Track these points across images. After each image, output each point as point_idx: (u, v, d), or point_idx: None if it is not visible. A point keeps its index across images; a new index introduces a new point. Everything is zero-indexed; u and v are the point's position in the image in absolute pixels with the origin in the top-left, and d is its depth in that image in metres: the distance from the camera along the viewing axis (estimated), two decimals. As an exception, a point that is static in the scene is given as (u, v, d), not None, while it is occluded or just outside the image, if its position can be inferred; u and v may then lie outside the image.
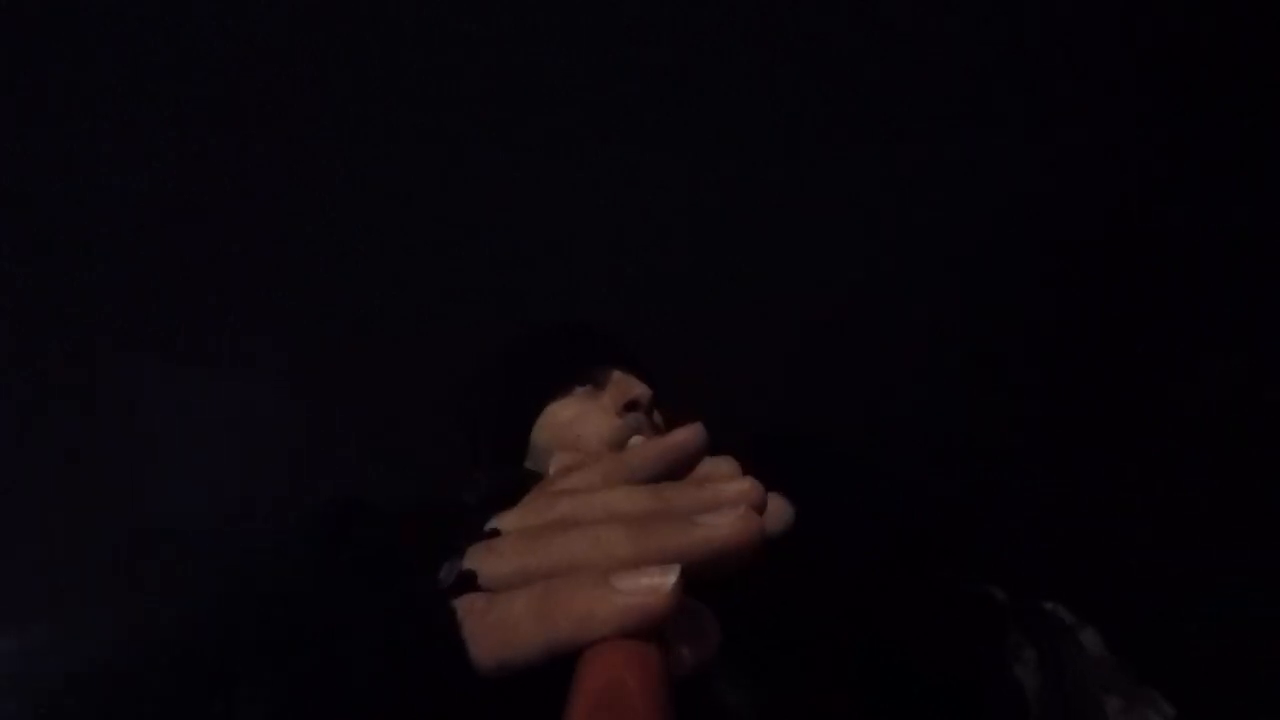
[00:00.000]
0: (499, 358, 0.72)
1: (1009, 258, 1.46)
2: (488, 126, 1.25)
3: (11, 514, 1.18)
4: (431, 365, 1.33)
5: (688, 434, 0.28)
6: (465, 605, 0.21)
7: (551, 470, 0.30)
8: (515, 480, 0.59)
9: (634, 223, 1.41)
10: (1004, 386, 1.48)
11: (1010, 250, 1.44)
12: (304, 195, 1.24)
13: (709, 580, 0.23)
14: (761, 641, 0.29)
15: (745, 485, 0.24)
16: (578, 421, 0.63)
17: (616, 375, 0.66)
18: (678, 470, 0.28)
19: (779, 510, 0.26)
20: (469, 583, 0.22)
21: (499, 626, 0.21)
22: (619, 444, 0.60)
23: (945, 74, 1.30)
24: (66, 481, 1.21)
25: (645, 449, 0.28)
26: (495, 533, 0.24)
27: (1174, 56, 1.28)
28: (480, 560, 0.23)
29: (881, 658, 0.27)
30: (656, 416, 0.66)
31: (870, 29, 1.25)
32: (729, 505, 0.23)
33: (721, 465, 0.27)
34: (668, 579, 0.20)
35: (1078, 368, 1.44)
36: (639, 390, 0.64)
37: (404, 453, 1.18)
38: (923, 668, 0.27)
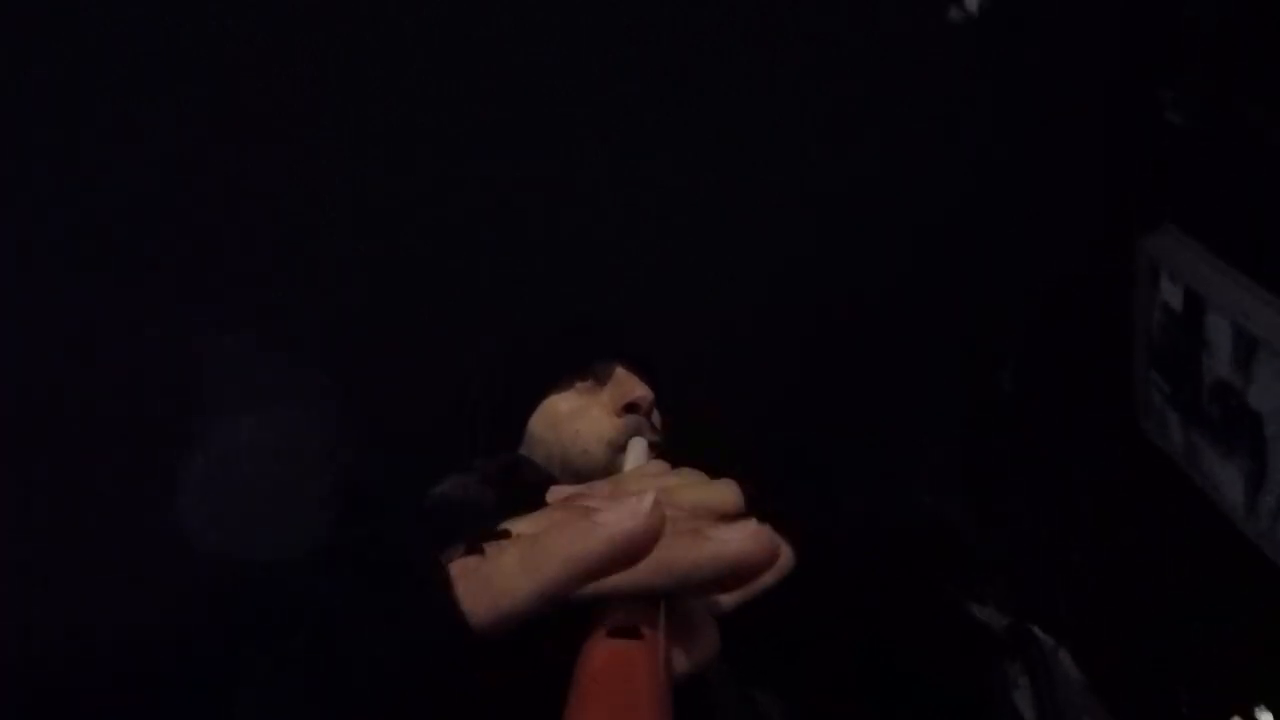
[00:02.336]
0: (503, 346, 0.72)
1: (1008, 265, 1.46)
2: (489, 125, 1.25)
3: (16, 514, 1.19)
4: (432, 365, 1.33)
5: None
6: (459, 566, 0.22)
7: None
8: (511, 464, 0.59)
9: (633, 223, 1.41)
10: (1001, 395, 1.48)
11: (1009, 257, 1.44)
12: (305, 195, 1.23)
13: (720, 593, 0.24)
14: (764, 646, 0.29)
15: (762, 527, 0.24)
16: (576, 416, 0.63)
17: (619, 373, 0.66)
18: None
19: (781, 559, 0.26)
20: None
21: (491, 579, 0.21)
22: (617, 444, 0.60)
23: (946, 76, 1.30)
24: (68, 482, 1.21)
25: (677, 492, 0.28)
26: (507, 534, 0.25)
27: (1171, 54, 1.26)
28: (497, 551, 0.23)
29: (887, 675, 0.28)
30: (655, 418, 0.66)
31: (870, 31, 1.25)
32: (739, 524, 0.23)
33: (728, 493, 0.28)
34: (644, 499, 0.21)
35: (1076, 377, 1.44)
36: (639, 391, 0.64)
37: (406, 451, 1.18)
38: (928, 695, 0.28)
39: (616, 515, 0.21)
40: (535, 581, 0.20)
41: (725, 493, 0.29)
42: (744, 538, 0.22)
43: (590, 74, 1.23)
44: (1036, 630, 0.34)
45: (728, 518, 0.28)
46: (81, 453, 1.22)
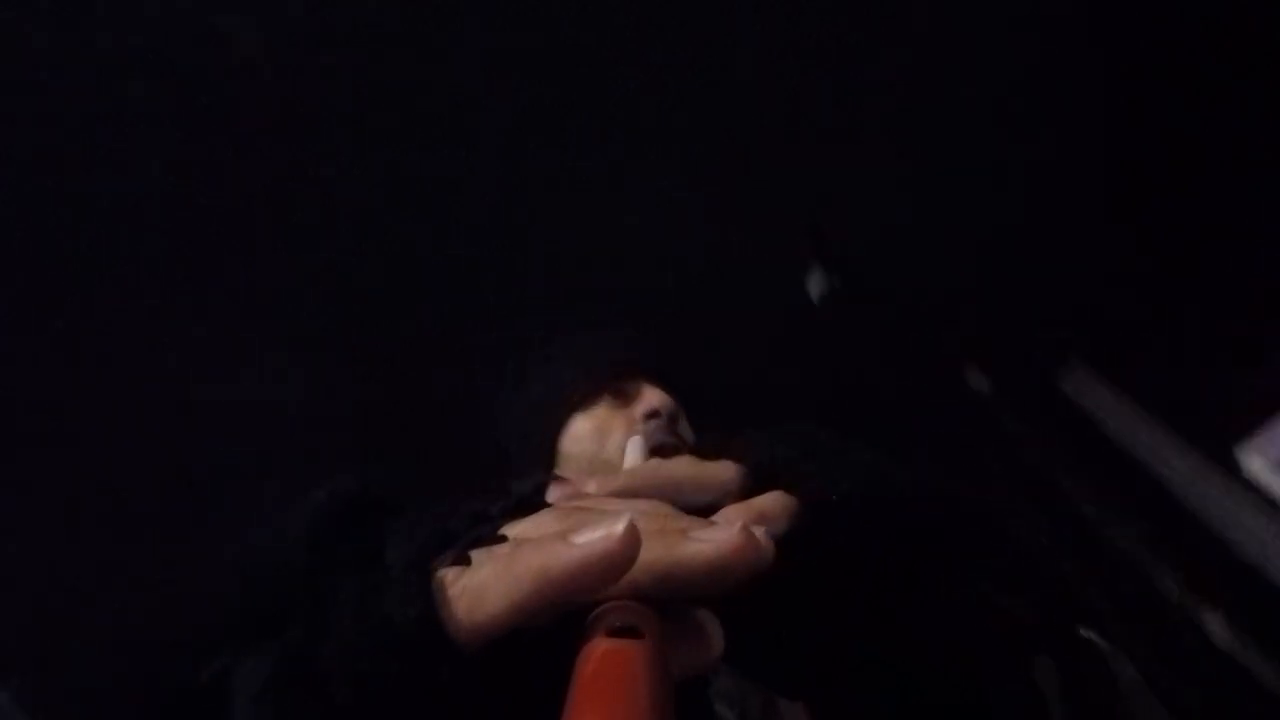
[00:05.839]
0: (531, 364, 0.73)
1: (1019, 254, 1.45)
2: (499, 127, 1.25)
3: (11, 509, 1.19)
4: (441, 365, 1.32)
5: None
6: (440, 577, 0.22)
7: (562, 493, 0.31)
8: (543, 485, 0.59)
9: (645, 223, 1.39)
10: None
11: (1022, 246, 1.44)
12: (326, 196, 1.23)
13: (711, 596, 0.23)
14: (771, 644, 0.28)
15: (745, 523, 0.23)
16: (600, 432, 0.64)
17: (645, 389, 0.67)
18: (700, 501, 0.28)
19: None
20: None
21: (468, 591, 0.21)
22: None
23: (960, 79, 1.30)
24: (67, 476, 1.20)
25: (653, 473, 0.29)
26: (504, 539, 0.25)
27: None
28: (475, 558, 0.23)
29: (897, 665, 0.27)
30: (685, 428, 0.66)
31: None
32: (724, 524, 0.23)
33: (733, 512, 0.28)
34: (619, 523, 0.20)
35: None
36: (659, 400, 0.64)
37: (414, 452, 1.17)
38: (935, 681, 0.27)
39: (590, 535, 0.20)
40: (508, 598, 0.21)
41: (721, 471, 0.29)
42: (724, 539, 0.22)
43: (600, 75, 1.22)
44: (1088, 633, 0.32)
45: (729, 495, 0.28)
46: (77, 454, 1.21)
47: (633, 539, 0.20)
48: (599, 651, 0.19)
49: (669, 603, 0.22)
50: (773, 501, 0.28)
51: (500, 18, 1.15)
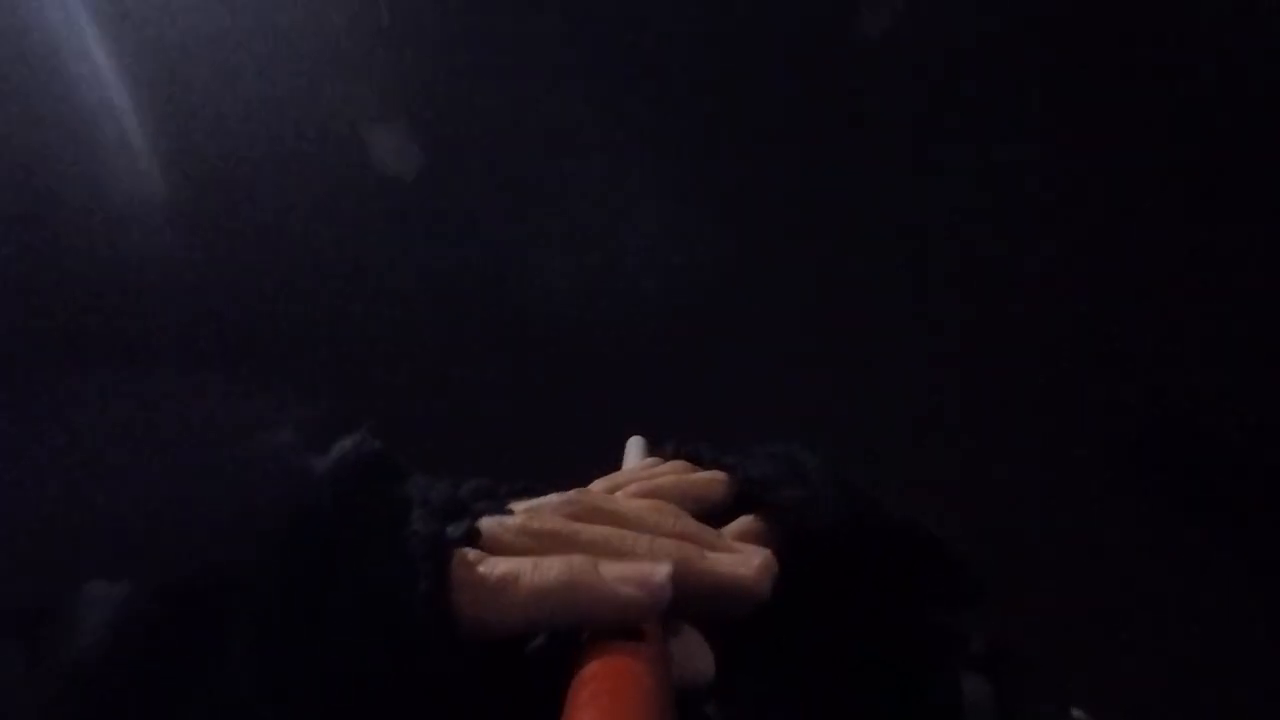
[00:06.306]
0: None
1: (1014, 272, 1.45)
2: (493, 126, 1.25)
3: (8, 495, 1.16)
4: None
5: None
6: (458, 555, 0.21)
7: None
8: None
9: (634, 225, 1.37)
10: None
11: (1017, 264, 1.44)
12: (316, 192, 1.22)
13: (710, 618, 0.24)
14: (759, 660, 0.29)
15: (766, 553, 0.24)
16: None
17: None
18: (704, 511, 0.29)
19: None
20: (472, 540, 0.22)
21: (481, 584, 0.20)
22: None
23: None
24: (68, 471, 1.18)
25: (675, 480, 0.30)
26: (510, 514, 0.25)
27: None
28: (486, 528, 0.23)
29: (879, 673, 0.27)
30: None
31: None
32: (742, 550, 0.24)
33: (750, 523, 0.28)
34: (657, 571, 0.20)
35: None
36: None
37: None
38: (917, 689, 0.28)
39: (626, 576, 0.20)
40: (524, 609, 0.20)
41: (709, 482, 0.30)
42: (740, 561, 0.22)
43: (592, 74, 1.23)
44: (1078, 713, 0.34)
45: (715, 507, 0.29)
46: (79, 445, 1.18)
47: (667, 588, 0.20)
48: (600, 652, 0.19)
49: (669, 610, 0.22)
50: (745, 528, 0.28)
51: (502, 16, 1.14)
